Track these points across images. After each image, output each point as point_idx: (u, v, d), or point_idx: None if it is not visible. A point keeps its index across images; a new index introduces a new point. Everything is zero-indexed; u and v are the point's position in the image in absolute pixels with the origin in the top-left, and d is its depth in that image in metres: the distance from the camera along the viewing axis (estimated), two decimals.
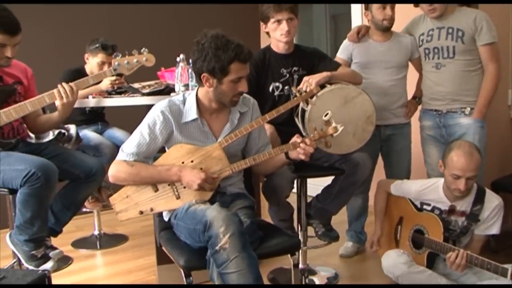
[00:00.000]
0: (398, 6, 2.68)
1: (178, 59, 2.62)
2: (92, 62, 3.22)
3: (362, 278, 2.77)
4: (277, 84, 2.42)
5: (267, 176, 2.22)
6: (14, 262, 2.26)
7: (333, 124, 1.96)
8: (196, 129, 1.98)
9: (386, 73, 2.73)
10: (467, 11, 2.60)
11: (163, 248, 2.01)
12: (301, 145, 1.90)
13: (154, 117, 1.94)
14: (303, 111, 2.22)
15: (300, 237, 2.51)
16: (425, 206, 2.38)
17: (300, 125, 2.31)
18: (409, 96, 2.87)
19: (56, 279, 2.63)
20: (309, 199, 2.53)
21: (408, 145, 2.87)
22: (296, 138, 1.93)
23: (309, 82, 2.22)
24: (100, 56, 3.19)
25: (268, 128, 2.27)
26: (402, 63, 2.75)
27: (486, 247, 2.43)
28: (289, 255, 1.93)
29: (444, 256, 2.18)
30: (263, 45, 2.87)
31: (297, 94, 2.19)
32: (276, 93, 2.43)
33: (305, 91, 2.18)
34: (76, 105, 2.25)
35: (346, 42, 2.81)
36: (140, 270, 2.88)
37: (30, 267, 2.05)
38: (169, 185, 1.94)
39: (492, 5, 3.08)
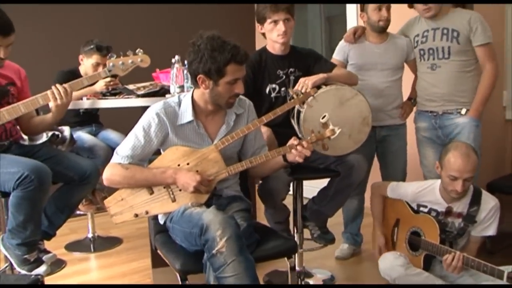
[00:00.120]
0: (393, 8, 2.69)
1: (173, 60, 2.61)
2: (87, 63, 3.20)
3: (358, 280, 2.77)
4: (273, 85, 2.41)
5: (263, 179, 2.21)
6: (6, 267, 2.23)
7: (331, 127, 1.94)
8: (191, 131, 1.96)
9: (382, 75, 2.73)
10: (461, 12, 2.61)
11: (159, 251, 1.98)
12: (298, 147, 1.89)
13: (149, 119, 1.92)
14: (299, 112, 2.21)
15: (296, 239, 2.50)
16: (421, 208, 2.38)
17: (296, 127, 2.29)
18: (405, 98, 2.87)
19: (49, 283, 2.60)
20: (305, 201, 2.52)
21: (404, 146, 2.87)
22: (293, 141, 1.92)
23: (306, 83, 2.21)
24: (94, 57, 3.17)
25: (265, 131, 2.25)
26: (398, 65, 2.76)
27: (483, 248, 2.43)
28: (285, 258, 1.92)
29: (441, 258, 2.18)
30: (258, 46, 2.87)
31: (294, 96, 2.18)
32: (273, 94, 2.41)
33: (302, 93, 2.17)
34: (70, 107, 2.22)
35: (342, 43, 2.80)
36: (135, 273, 2.86)
37: (23, 272, 2.03)
38: (164, 187, 1.92)
39: (487, 6, 3.09)
